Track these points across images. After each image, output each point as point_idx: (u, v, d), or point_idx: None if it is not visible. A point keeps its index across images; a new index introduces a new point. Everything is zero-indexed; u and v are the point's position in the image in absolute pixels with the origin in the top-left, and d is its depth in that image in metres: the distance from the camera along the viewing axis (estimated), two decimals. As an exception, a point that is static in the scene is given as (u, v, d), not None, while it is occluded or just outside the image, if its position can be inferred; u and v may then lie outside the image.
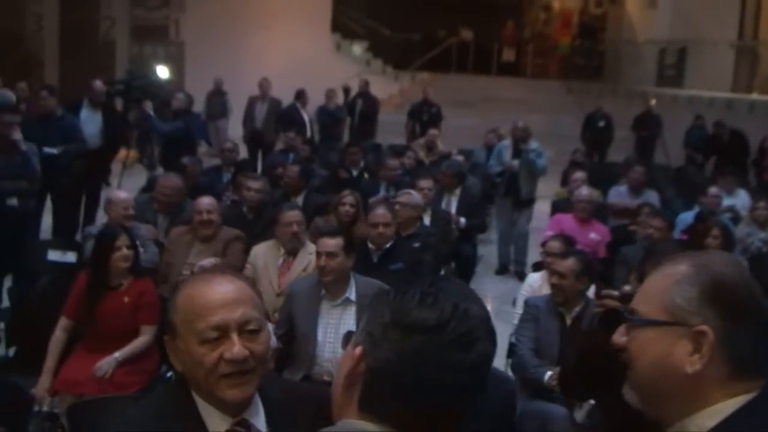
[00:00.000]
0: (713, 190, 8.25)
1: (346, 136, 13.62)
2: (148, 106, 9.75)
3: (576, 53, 22.14)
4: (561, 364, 3.52)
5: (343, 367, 1.35)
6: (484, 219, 9.09)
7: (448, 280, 1.38)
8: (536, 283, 5.41)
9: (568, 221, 7.13)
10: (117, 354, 4.40)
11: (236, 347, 1.74)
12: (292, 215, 5.54)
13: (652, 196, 8.74)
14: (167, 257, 5.74)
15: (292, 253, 5.50)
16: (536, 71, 22.47)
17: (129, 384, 4.37)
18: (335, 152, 11.72)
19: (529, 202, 8.96)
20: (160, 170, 9.29)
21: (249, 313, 1.78)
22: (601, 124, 14.83)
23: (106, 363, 4.34)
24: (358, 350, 1.32)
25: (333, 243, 4.34)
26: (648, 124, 15.09)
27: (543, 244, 5.95)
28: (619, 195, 8.44)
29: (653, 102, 15.45)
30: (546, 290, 5.32)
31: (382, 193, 8.00)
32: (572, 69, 21.56)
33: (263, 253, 5.55)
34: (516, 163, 8.57)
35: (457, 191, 8.25)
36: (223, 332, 1.75)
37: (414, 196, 6.39)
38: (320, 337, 4.33)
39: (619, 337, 1.53)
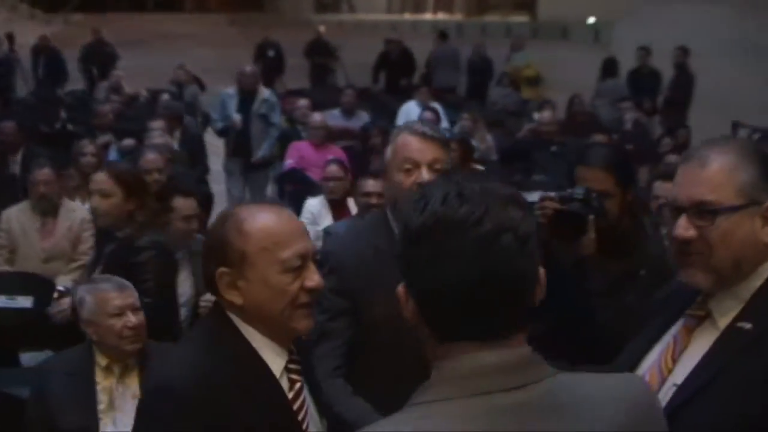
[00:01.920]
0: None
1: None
2: None
3: (235, -15, 22.07)
4: None
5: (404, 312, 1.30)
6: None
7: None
8: (315, 208, 5.49)
9: (306, 148, 7.24)
10: None
11: (317, 276, 1.76)
12: (40, 174, 5.09)
13: (365, 116, 9.19)
14: None
15: (50, 213, 5.08)
16: (195, 5, 22.05)
17: None
18: (15, 104, 10.77)
19: (265, 165, 7.78)
20: None
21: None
22: (271, 53, 15.02)
23: None
24: (401, 289, 1.29)
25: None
26: (321, 51, 15.58)
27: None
28: (335, 118, 8.70)
29: (323, 29, 15.96)
30: (327, 215, 5.45)
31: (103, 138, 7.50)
32: (232, 1, 21.47)
33: (16, 218, 5.07)
34: (239, 117, 7.43)
35: (177, 133, 7.97)
36: (304, 261, 1.74)
37: (165, 138, 6.13)
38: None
39: (685, 231, 1.64)
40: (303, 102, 8.22)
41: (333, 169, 5.58)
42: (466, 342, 1.22)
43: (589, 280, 2.52)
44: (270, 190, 8.03)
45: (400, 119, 9.60)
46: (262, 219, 1.75)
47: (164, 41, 17.50)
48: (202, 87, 12.38)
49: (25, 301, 4.44)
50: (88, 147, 5.94)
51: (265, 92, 7.69)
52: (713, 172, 1.63)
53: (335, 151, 7.34)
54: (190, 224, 4.11)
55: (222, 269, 1.74)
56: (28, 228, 5.02)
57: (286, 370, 1.79)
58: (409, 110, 9.80)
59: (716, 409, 1.56)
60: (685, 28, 11.85)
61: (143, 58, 15.72)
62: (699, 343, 1.66)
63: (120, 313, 2.91)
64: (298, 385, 1.81)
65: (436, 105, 9.46)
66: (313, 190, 6.69)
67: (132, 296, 2.98)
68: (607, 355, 2.46)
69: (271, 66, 14.53)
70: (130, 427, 2.76)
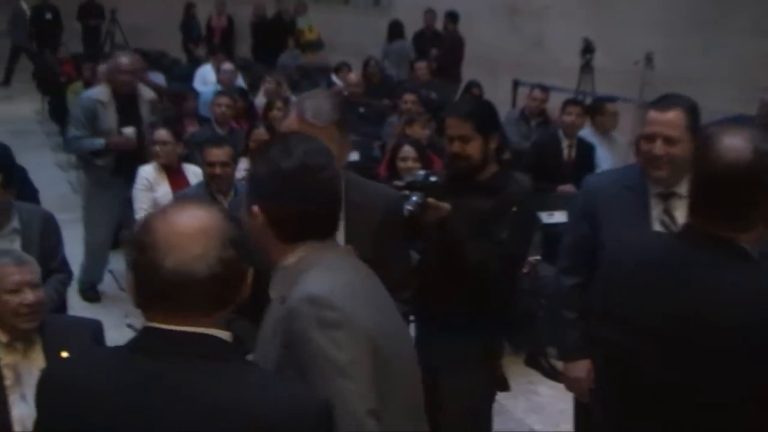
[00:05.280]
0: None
1: None
2: None
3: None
4: None
5: (249, 224, 1.82)
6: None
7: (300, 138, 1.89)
8: (150, 175, 5.41)
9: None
10: None
11: None
12: None
13: (159, 78, 9.11)
14: None
15: None
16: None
17: None
18: None
19: None
20: None
21: None
22: (49, 16, 14.32)
23: None
24: (256, 209, 1.80)
25: None
26: (93, 13, 14.93)
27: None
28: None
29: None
30: (163, 181, 5.42)
31: None
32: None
33: None
34: (132, 131, 5.76)
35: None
36: None
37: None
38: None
39: None
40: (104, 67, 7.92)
41: (161, 133, 5.50)
42: (307, 241, 1.80)
43: (453, 232, 2.96)
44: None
45: (197, 82, 9.61)
46: None
47: None
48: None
49: None
50: None
51: (148, 91, 6.26)
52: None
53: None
54: None
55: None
56: None
57: None
58: (205, 73, 9.78)
59: None
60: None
61: None
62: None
63: (17, 289, 2.85)
64: None
65: (229, 66, 9.37)
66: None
67: (32, 272, 2.93)
68: (484, 288, 2.95)
69: (49, 30, 13.81)
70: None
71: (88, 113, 5.74)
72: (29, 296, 2.86)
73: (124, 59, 5.84)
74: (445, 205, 2.87)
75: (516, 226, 3.08)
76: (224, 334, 1.55)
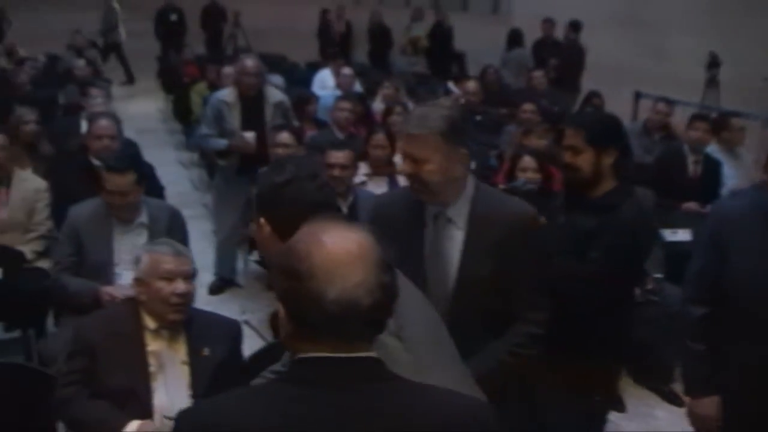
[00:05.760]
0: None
1: None
2: None
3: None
4: None
5: (259, 235, 2.07)
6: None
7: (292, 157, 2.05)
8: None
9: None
10: None
11: None
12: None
13: (278, 80, 9.22)
14: None
15: (2, 183, 4.93)
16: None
17: None
18: None
19: None
20: None
21: None
22: (174, 17, 14.82)
23: None
24: (262, 220, 2.06)
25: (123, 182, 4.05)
26: (216, 16, 15.36)
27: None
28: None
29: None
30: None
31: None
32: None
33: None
34: (252, 136, 5.89)
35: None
36: None
37: (107, 105, 6.00)
38: (116, 261, 4.11)
39: None
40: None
41: (284, 136, 5.50)
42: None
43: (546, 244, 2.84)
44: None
45: (315, 86, 9.74)
46: None
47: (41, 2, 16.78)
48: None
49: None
50: (29, 116, 5.79)
51: (275, 94, 6.19)
52: None
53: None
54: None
55: None
56: (-20, 197, 4.82)
57: None
58: (324, 77, 9.92)
59: None
60: (578, 1, 12.37)
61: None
62: None
63: (171, 277, 2.96)
64: None
65: (349, 71, 9.44)
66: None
67: (187, 264, 3.03)
68: (572, 307, 2.82)
69: (173, 31, 14.26)
70: (179, 392, 2.88)
71: (215, 112, 5.91)
72: (181, 286, 2.96)
73: (249, 61, 5.95)
74: None
75: (613, 247, 2.88)
76: (376, 354, 1.49)
